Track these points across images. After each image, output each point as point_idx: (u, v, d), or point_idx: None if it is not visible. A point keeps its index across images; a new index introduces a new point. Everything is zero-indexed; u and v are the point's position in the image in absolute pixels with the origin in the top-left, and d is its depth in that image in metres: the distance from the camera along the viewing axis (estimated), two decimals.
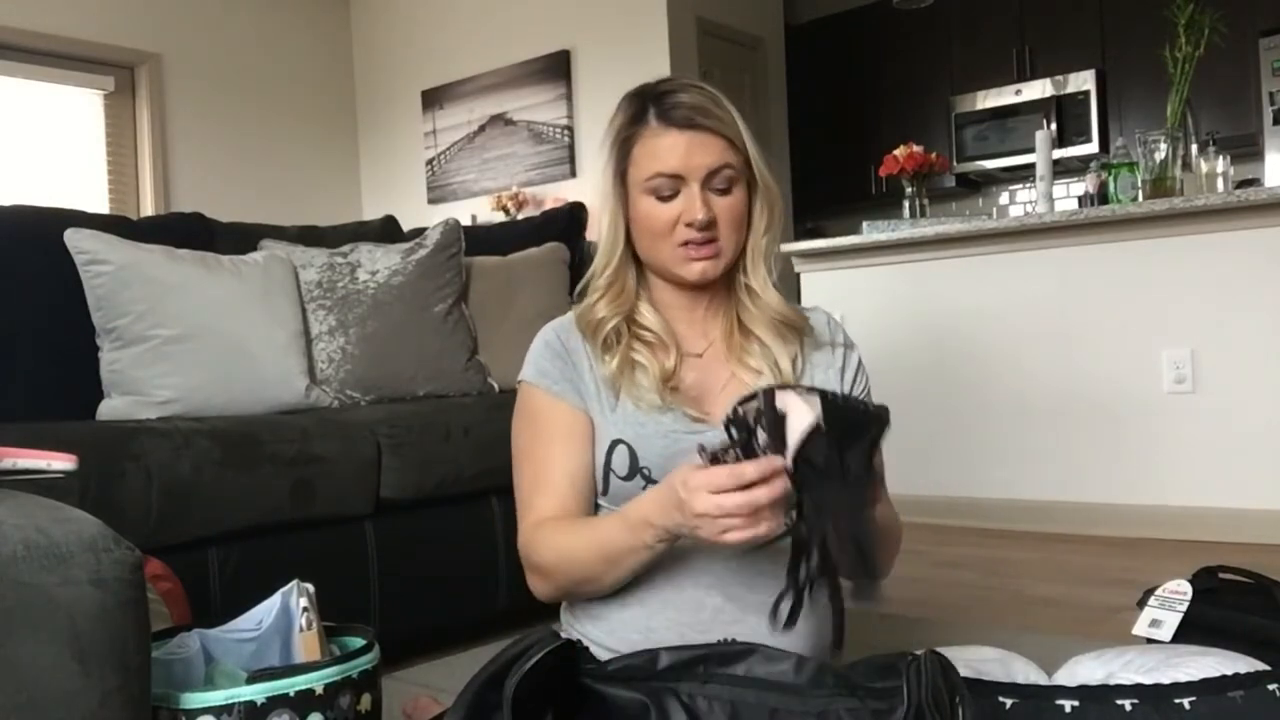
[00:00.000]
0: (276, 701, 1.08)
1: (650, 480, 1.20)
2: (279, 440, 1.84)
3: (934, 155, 3.70)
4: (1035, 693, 1.25)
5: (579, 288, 1.33)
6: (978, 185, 5.77)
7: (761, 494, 0.95)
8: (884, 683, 0.93)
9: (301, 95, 5.87)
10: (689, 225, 1.21)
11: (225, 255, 2.21)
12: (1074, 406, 3.15)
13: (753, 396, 0.99)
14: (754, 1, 5.42)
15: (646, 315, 1.29)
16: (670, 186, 1.21)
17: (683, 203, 1.21)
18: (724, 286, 1.30)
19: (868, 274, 3.56)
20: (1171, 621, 1.59)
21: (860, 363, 1.36)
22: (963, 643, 1.51)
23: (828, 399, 0.96)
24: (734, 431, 0.99)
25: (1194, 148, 3.22)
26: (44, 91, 4.89)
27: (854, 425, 0.98)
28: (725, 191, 1.22)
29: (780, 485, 0.96)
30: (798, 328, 1.31)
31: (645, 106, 1.23)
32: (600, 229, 1.29)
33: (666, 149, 1.20)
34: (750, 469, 0.96)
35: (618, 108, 1.27)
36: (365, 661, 1.18)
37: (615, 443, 1.23)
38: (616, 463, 1.22)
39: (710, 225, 1.21)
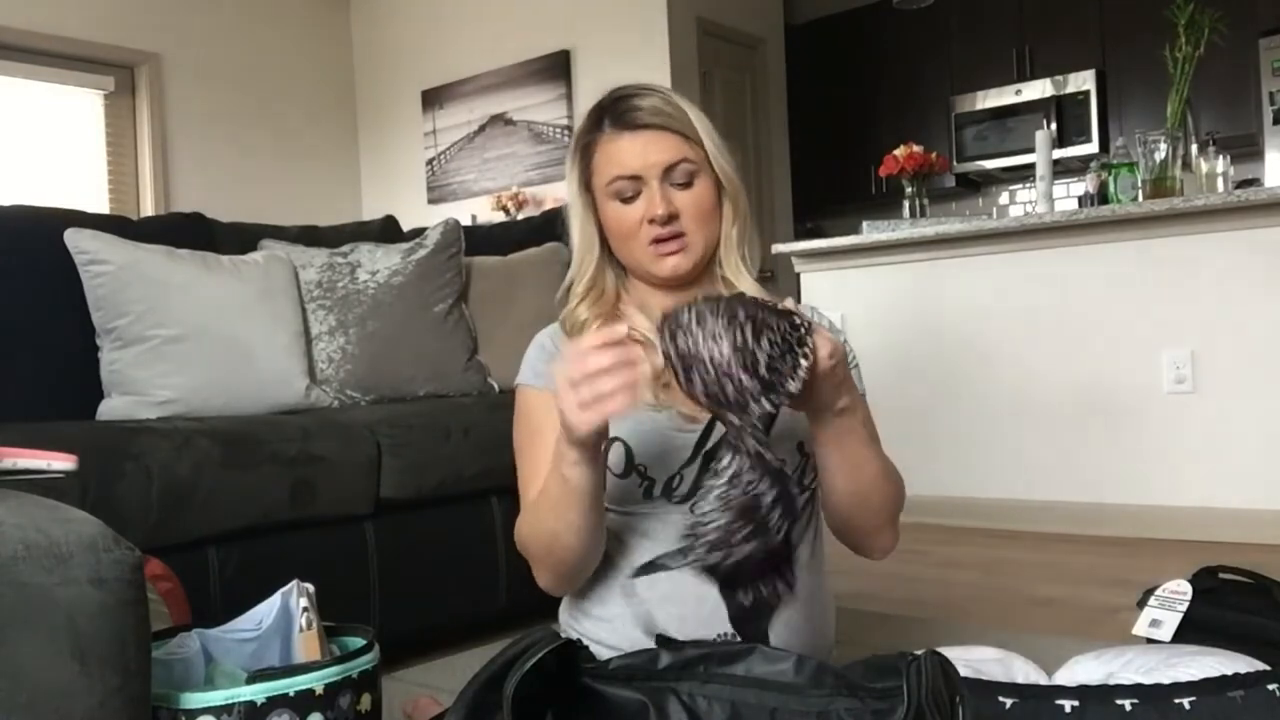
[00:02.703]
0: (276, 701, 1.08)
1: (646, 477, 1.22)
2: (279, 440, 1.84)
3: (934, 155, 3.70)
4: (1035, 693, 1.26)
5: (559, 295, 1.35)
6: (978, 185, 5.77)
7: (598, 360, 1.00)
8: (884, 683, 0.93)
9: (301, 95, 5.87)
10: (652, 222, 1.23)
11: (225, 255, 2.21)
12: (1074, 406, 3.15)
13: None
14: (754, 1, 5.41)
15: (632, 315, 1.30)
16: (631, 188, 1.24)
17: (645, 201, 1.24)
18: (705, 282, 1.32)
19: (868, 274, 3.56)
20: (1171, 621, 1.60)
21: (848, 349, 1.36)
22: (963, 643, 1.51)
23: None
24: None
25: (1194, 148, 3.22)
26: (44, 91, 4.89)
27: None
28: (686, 185, 1.24)
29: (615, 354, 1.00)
30: None
31: (601, 115, 1.26)
32: (572, 237, 1.32)
33: (622, 151, 1.24)
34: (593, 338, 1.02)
35: (582, 120, 1.31)
36: (365, 661, 1.18)
37: (610, 440, 1.23)
38: (612, 460, 1.23)
39: (673, 219, 1.24)
